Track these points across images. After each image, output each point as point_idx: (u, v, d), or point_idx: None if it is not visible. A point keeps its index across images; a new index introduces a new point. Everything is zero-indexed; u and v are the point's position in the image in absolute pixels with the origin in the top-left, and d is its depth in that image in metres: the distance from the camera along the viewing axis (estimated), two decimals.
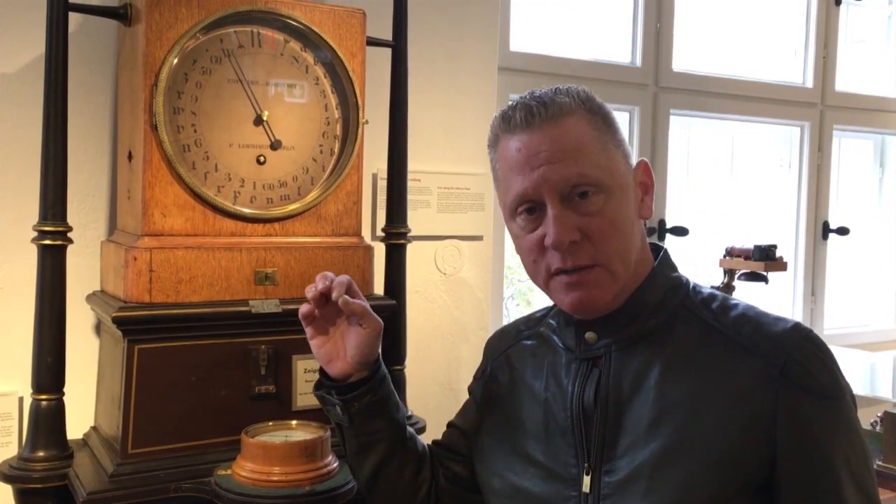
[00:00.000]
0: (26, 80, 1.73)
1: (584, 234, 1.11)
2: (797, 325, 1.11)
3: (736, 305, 1.16)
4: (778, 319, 1.13)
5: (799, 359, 1.07)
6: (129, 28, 1.62)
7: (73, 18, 1.61)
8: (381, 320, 1.28)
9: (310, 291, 1.25)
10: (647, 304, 1.16)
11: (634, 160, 1.21)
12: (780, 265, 2.69)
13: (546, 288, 1.19)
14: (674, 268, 1.23)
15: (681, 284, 1.20)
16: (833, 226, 3.31)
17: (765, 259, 2.64)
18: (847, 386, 1.10)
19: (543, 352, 1.27)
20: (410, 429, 1.37)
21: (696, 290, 1.20)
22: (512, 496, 1.22)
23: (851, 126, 3.37)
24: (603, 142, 1.14)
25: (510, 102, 1.20)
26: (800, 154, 3.26)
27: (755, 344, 1.09)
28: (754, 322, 1.12)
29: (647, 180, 1.21)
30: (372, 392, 1.27)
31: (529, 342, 1.32)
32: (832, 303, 3.38)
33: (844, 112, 3.32)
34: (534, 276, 1.20)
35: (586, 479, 1.13)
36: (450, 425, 1.44)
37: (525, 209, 1.15)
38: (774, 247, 2.68)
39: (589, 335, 1.18)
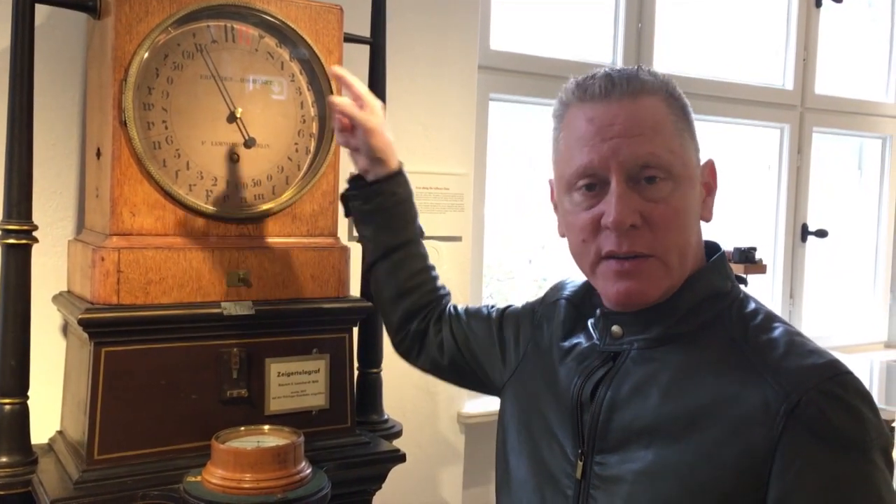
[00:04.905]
0: None
1: (645, 220, 1.05)
2: (831, 363, 1.00)
3: (775, 328, 1.06)
4: (812, 352, 1.02)
5: (817, 400, 0.95)
6: (99, 21, 1.57)
7: (40, 11, 1.57)
8: (372, 120, 1.41)
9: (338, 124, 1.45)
10: (681, 307, 1.09)
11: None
12: (760, 267, 2.69)
13: (591, 273, 1.12)
14: (725, 275, 1.14)
15: (724, 294, 1.11)
16: (812, 228, 3.31)
17: (744, 261, 2.64)
18: (878, 439, 0.97)
19: (579, 328, 1.23)
20: (426, 267, 1.48)
21: (741, 303, 1.11)
22: (527, 447, 1.21)
23: (831, 128, 3.38)
24: (679, 129, 1.09)
25: (587, 73, 1.14)
26: (779, 156, 3.27)
27: (774, 373, 0.99)
28: (784, 350, 1.02)
29: (713, 181, 1.16)
30: (362, 199, 1.44)
31: (575, 311, 1.27)
32: (811, 305, 3.38)
33: (824, 114, 3.33)
34: (579, 258, 1.14)
35: (580, 465, 1.11)
36: (482, 318, 1.42)
37: (585, 184, 1.09)
38: (754, 249, 2.67)
39: (615, 329, 1.13)
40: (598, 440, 1.09)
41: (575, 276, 1.32)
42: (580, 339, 1.21)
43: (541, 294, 1.40)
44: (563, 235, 1.17)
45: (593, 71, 1.13)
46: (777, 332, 1.06)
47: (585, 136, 1.08)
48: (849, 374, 0.99)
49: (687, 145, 1.10)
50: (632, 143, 1.05)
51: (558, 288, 1.35)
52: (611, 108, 1.07)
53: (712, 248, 1.18)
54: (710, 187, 1.16)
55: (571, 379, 1.16)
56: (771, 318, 1.10)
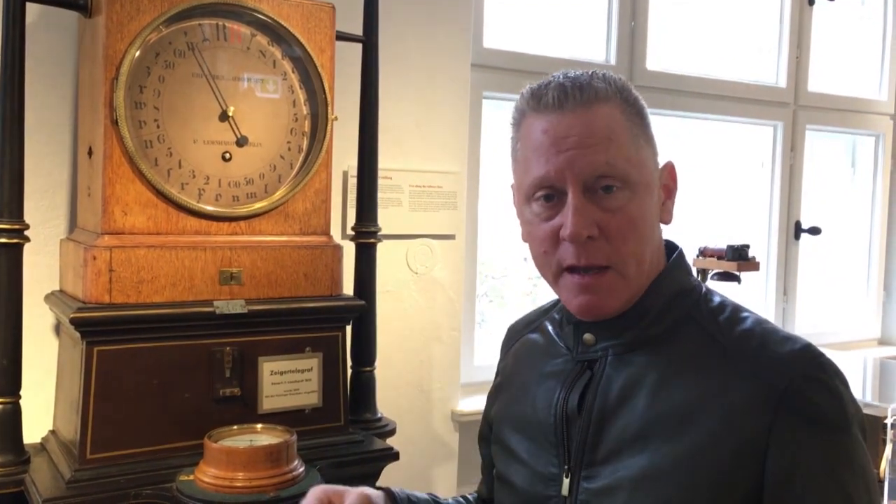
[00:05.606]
0: None
1: (601, 231, 1.06)
2: (806, 348, 1.03)
3: (745, 318, 1.09)
4: (787, 339, 1.05)
5: (802, 385, 0.99)
6: (90, 20, 1.57)
7: (31, 9, 1.57)
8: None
9: None
10: (651, 310, 1.11)
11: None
12: (753, 265, 2.69)
13: (554, 283, 1.13)
14: (686, 271, 1.16)
15: (690, 290, 1.13)
16: (805, 225, 3.32)
17: (738, 259, 2.64)
18: (856, 415, 1.02)
19: (543, 347, 1.23)
20: None
21: (706, 297, 1.13)
22: (502, 484, 1.21)
23: (824, 126, 3.39)
24: (635, 135, 1.09)
25: (542, 80, 1.13)
26: (772, 154, 3.27)
27: (756, 364, 1.02)
28: (760, 340, 1.05)
29: (672, 184, 1.16)
30: None
31: (534, 335, 1.28)
32: (804, 302, 3.39)
33: (817, 112, 3.33)
34: (542, 268, 1.14)
35: (566, 482, 1.10)
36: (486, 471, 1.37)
37: (543, 195, 1.10)
38: (747, 247, 2.68)
39: (587, 337, 1.13)
40: (588, 453, 1.09)
41: (519, 312, 1.34)
42: (555, 361, 1.20)
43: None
44: (525, 241, 1.18)
45: (547, 78, 1.13)
46: (748, 323, 1.08)
47: (541, 147, 1.09)
48: (823, 356, 1.03)
49: (643, 151, 1.10)
50: (587, 154, 1.06)
51: (513, 334, 1.35)
52: (565, 118, 1.07)
53: (670, 247, 1.19)
54: (669, 190, 1.16)
55: (553, 394, 1.15)
56: (737, 309, 1.12)
